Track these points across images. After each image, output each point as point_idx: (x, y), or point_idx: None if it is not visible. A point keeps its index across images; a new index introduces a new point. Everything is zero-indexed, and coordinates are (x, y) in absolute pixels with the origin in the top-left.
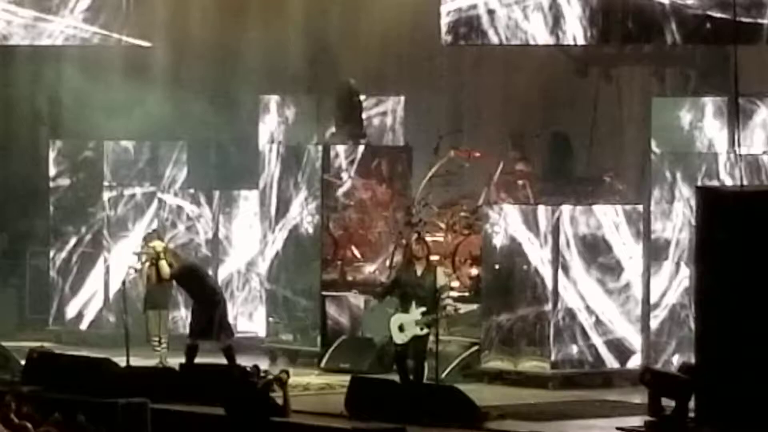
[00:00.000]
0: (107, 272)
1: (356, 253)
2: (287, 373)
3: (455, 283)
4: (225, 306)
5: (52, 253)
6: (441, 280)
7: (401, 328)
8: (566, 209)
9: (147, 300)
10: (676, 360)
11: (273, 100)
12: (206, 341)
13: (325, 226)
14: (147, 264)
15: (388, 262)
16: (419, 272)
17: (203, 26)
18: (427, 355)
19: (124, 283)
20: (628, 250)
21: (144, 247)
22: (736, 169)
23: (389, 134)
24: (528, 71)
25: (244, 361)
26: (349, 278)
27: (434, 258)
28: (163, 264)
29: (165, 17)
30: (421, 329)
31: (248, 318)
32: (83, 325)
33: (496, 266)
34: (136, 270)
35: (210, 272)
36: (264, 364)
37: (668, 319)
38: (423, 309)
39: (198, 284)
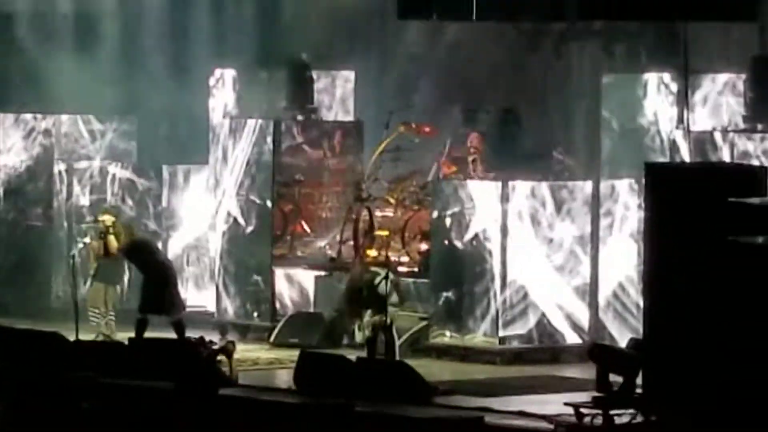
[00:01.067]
0: (57, 246)
1: (306, 228)
2: (233, 343)
3: (405, 258)
4: (175, 281)
5: (3, 228)
6: (382, 288)
7: (359, 328)
8: (515, 185)
9: (95, 274)
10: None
11: (224, 73)
12: (156, 315)
13: (275, 202)
14: (96, 238)
15: (338, 237)
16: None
17: None
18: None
19: (73, 257)
20: (577, 226)
21: (94, 221)
22: (684, 146)
23: (340, 109)
24: (479, 47)
25: (195, 335)
26: (299, 253)
27: (383, 233)
28: (112, 238)
29: None
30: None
31: (198, 292)
32: (33, 299)
33: (446, 242)
34: (85, 243)
35: (160, 247)
36: (214, 339)
37: (614, 294)
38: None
39: (147, 259)
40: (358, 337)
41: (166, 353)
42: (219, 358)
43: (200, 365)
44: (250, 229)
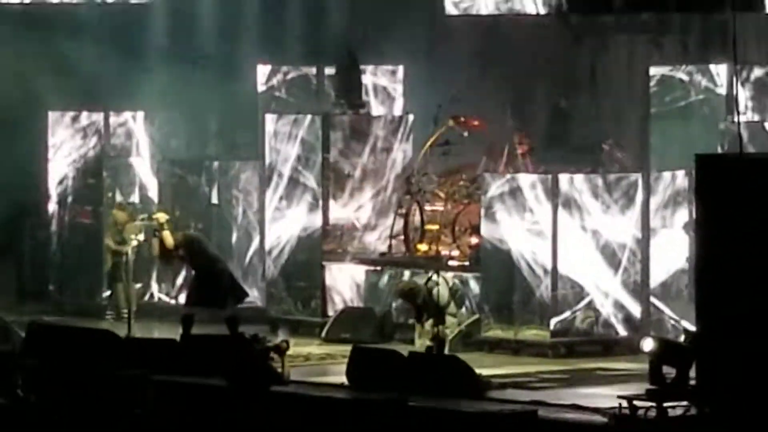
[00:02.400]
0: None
1: (356, 222)
2: (287, 342)
3: (455, 252)
4: (231, 275)
5: (51, 225)
6: (443, 297)
7: (419, 335)
8: (565, 178)
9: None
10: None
11: (272, 69)
12: (207, 309)
13: (326, 197)
14: (151, 235)
15: (387, 232)
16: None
17: None
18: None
19: (126, 254)
20: (628, 218)
21: (146, 219)
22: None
23: (389, 103)
24: (526, 41)
25: (247, 330)
26: (349, 248)
27: (434, 227)
28: (167, 234)
29: None
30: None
31: (250, 288)
32: (84, 297)
33: (497, 236)
34: (138, 241)
35: (211, 242)
36: (266, 334)
37: (669, 286)
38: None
39: (201, 254)
40: (418, 344)
41: (218, 350)
42: (272, 355)
43: (253, 362)
44: (301, 224)
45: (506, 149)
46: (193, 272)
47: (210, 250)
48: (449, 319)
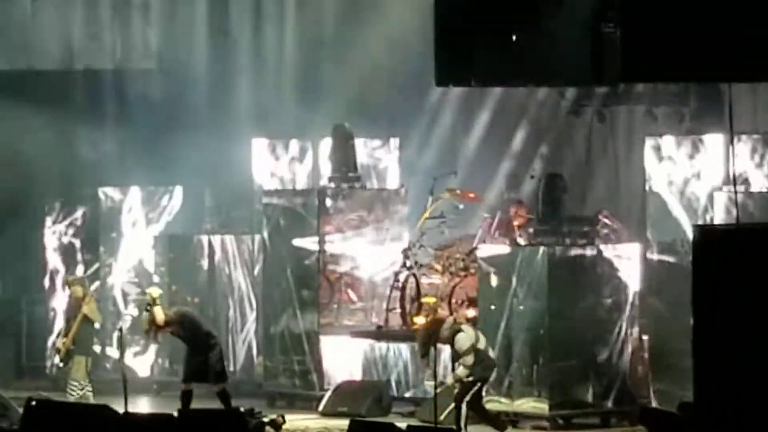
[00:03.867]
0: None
1: (352, 296)
2: (282, 417)
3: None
4: (220, 350)
5: (49, 300)
6: (462, 343)
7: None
8: (561, 250)
9: (75, 345)
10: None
11: (266, 143)
12: (202, 384)
13: (322, 270)
14: (143, 310)
15: (384, 305)
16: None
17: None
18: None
19: (120, 329)
20: (629, 289)
21: (141, 294)
22: (733, 206)
23: (384, 176)
24: (522, 111)
25: (244, 404)
26: (346, 321)
27: (431, 300)
28: (158, 310)
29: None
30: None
31: (246, 361)
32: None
33: (492, 306)
34: (132, 316)
35: (203, 318)
36: (262, 408)
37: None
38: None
39: (192, 329)
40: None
41: (215, 425)
42: (268, 430)
43: None
44: (296, 298)
45: (498, 219)
46: (186, 348)
47: (203, 327)
48: (461, 371)
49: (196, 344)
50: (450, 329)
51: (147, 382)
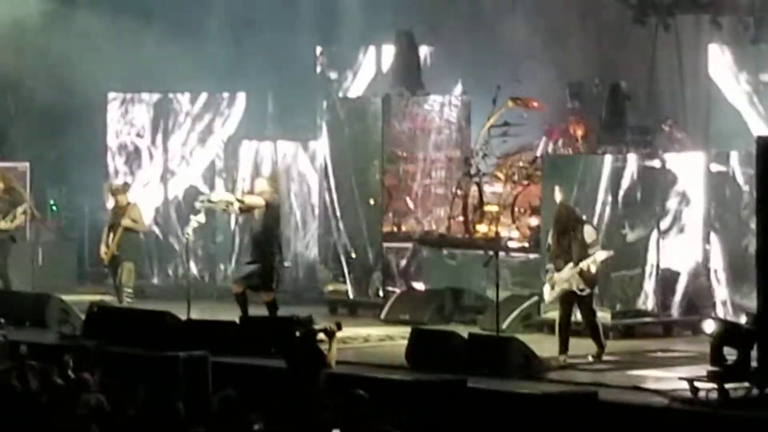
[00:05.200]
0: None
1: (410, 204)
2: (339, 325)
3: (515, 233)
4: (282, 259)
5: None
6: (590, 235)
7: (552, 286)
8: (628, 158)
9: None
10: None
11: (327, 51)
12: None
13: (381, 178)
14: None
15: (445, 213)
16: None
17: None
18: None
19: (186, 236)
20: (689, 198)
21: (206, 201)
22: None
23: (448, 84)
24: (586, 20)
25: (305, 312)
26: (405, 229)
27: (493, 209)
28: (250, 197)
29: None
30: (579, 288)
31: (308, 268)
32: (143, 278)
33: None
34: (198, 223)
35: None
36: (324, 316)
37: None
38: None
39: (272, 222)
40: (548, 295)
41: (270, 332)
42: (321, 338)
43: (296, 345)
44: (359, 206)
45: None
46: (254, 247)
47: (279, 227)
48: (599, 255)
49: (267, 241)
50: (578, 219)
51: (209, 288)
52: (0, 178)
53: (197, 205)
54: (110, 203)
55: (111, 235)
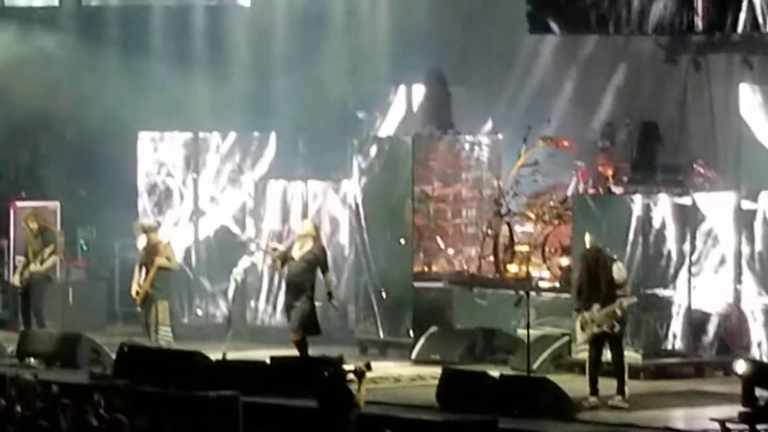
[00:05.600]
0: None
1: (440, 243)
2: (368, 365)
3: (545, 273)
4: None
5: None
6: (620, 275)
7: (582, 327)
8: (659, 198)
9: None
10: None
11: (357, 90)
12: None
13: (412, 217)
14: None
15: (475, 253)
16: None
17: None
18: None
19: (236, 279)
20: (720, 238)
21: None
22: None
23: (478, 123)
24: (616, 59)
25: (335, 352)
26: (436, 269)
27: (523, 248)
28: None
29: None
30: (610, 328)
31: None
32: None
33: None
34: (253, 263)
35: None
36: (354, 356)
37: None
38: (598, 306)
39: (314, 271)
40: (580, 336)
41: (300, 372)
42: (351, 378)
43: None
44: (388, 245)
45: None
46: (299, 293)
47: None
48: (625, 300)
49: (312, 287)
50: (607, 258)
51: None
52: (32, 218)
53: (252, 247)
54: (141, 242)
55: (142, 273)
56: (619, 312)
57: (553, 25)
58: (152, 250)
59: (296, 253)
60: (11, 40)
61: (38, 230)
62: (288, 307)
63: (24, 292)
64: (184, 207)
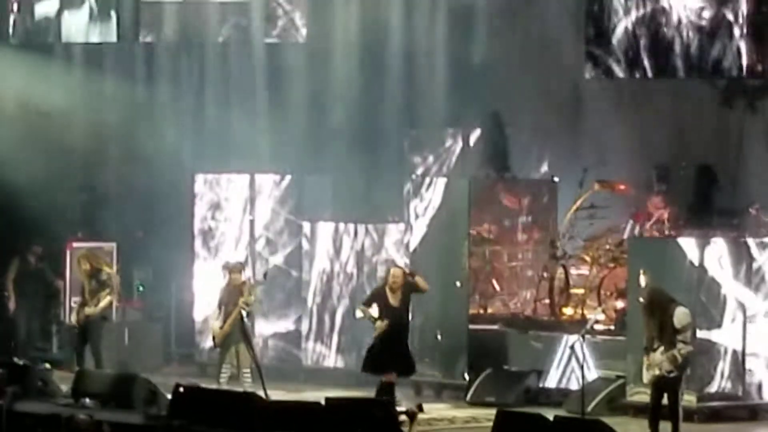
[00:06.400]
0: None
1: (496, 286)
2: (420, 406)
3: (601, 316)
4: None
5: (197, 286)
6: (681, 320)
7: (648, 367)
8: (715, 241)
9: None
10: None
11: (413, 133)
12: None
13: (468, 260)
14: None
15: (531, 295)
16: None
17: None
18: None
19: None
20: None
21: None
22: None
23: (534, 167)
24: (672, 102)
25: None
26: (491, 311)
27: (579, 291)
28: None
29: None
30: (668, 372)
31: None
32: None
33: (640, 299)
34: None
35: None
36: (409, 398)
37: None
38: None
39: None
40: (645, 376)
41: (353, 414)
42: (402, 420)
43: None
44: (443, 287)
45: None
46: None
47: None
48: (683, 348)
49: (406, 328)
50: (669, 301)
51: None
52: (84, 259)
53: (358, 314)
54: (223, 282)
55: (220, 312)
56: (679, 358)
57: (611, 67)
58: (234, 290)
59: (393, 301)
60: (69, 79)
61: (90, 271)
62: (395, 354)
63: (80, 332)
64: (240, 249)
